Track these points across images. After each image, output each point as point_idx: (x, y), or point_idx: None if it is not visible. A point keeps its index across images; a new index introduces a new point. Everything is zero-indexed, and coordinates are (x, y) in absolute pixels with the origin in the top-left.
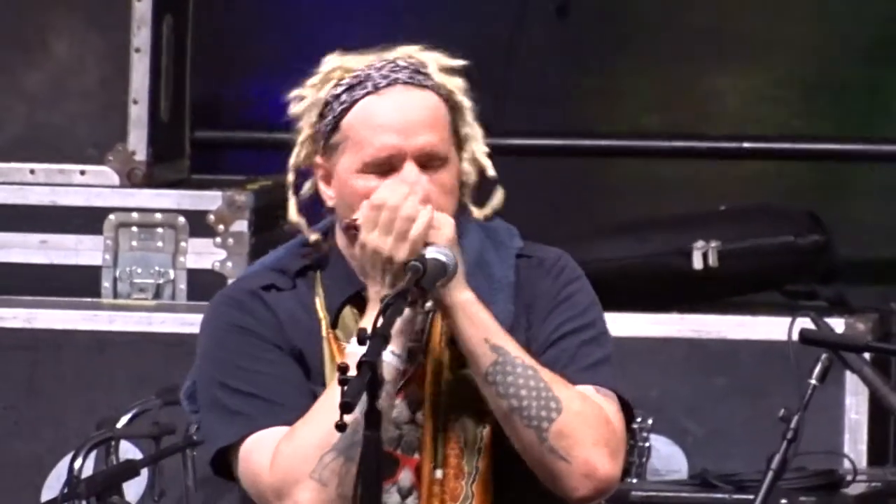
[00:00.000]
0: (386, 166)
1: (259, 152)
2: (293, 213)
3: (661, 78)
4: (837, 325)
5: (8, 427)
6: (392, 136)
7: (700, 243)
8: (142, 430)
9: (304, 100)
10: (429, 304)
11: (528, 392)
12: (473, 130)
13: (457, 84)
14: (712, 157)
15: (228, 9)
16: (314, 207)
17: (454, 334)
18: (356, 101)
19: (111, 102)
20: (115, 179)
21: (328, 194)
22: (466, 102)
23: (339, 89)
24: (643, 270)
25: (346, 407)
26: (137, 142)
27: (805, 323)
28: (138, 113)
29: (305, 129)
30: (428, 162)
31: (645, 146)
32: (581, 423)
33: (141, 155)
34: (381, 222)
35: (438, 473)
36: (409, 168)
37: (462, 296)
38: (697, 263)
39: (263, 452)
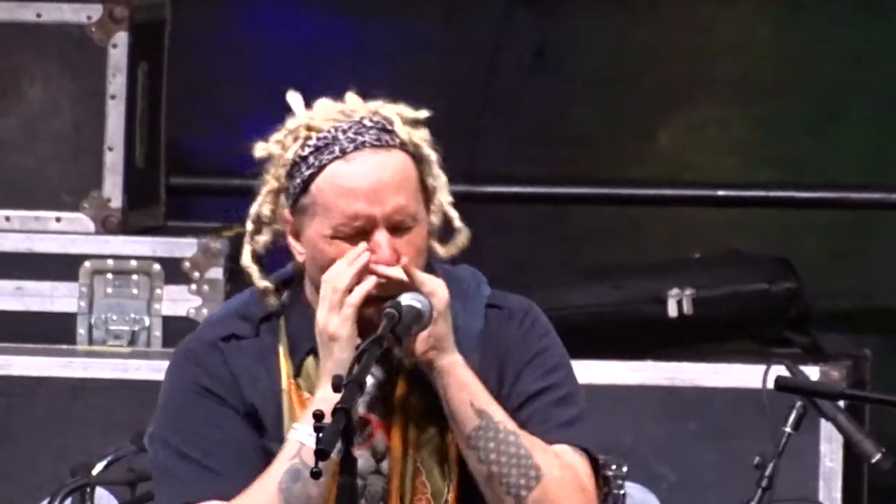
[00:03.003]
0: (356, 232)
1: (234, 199)
2: (246, 259)
3: (636, 124)
4: (812, 372)
5: None
6: (362, 203)
7: (675, 291)
8: (117, 477)
9: (270, 153)
10: (397, 351)
11: (509, 459)
12: (439, 181)
13: (422, 136)
14: (687, 205)
15: (202, 55)
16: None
17: (440, 395)
18: (324, 165)
19: (86, 149)
20: (91, 226)
21: (298, 249)
22: (433, 155)
23: (307, 150)
24: (617, 317)
25: (321, 454)
26: (112, 188)
27: (780, 370)
28: (113, 160)
29: (271, 180)
30: (399, 224)
31: (620, 193)
32: (559, 493)
33: (116, 202)
34: (323, 297)
35: None
36: (381, 235)
37: (450, 358)
38: (672, 311)
39: None
